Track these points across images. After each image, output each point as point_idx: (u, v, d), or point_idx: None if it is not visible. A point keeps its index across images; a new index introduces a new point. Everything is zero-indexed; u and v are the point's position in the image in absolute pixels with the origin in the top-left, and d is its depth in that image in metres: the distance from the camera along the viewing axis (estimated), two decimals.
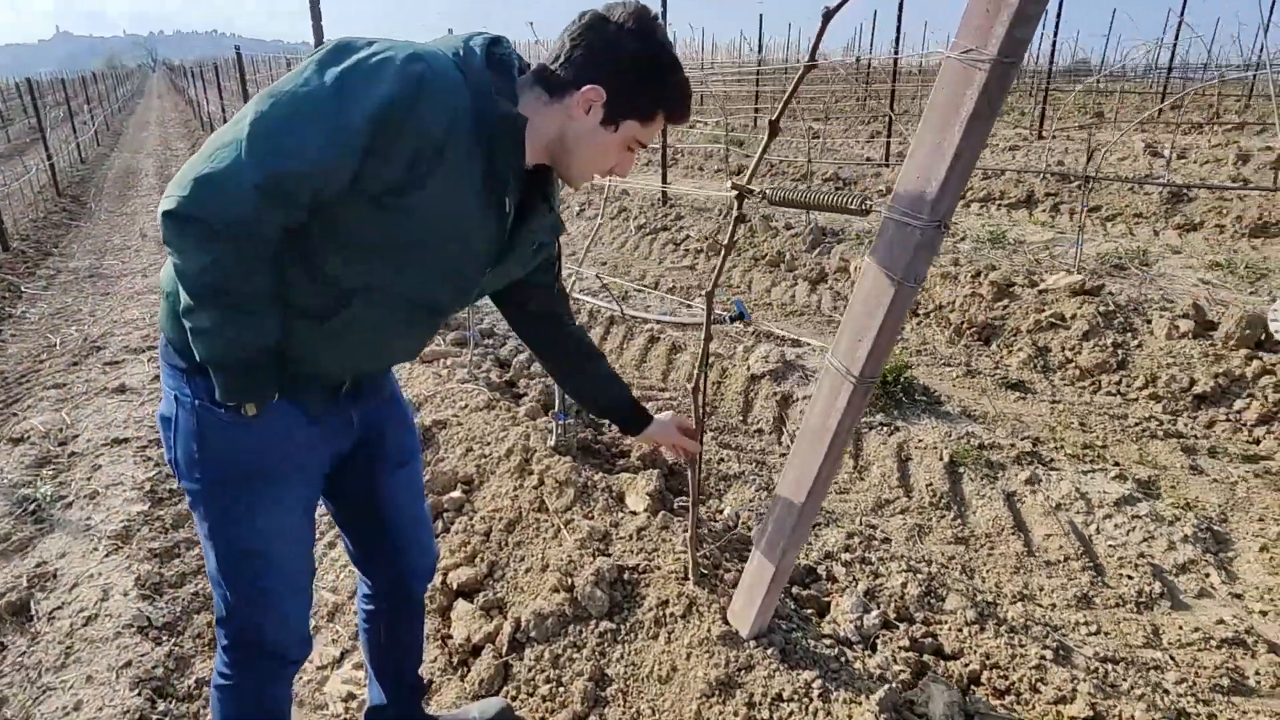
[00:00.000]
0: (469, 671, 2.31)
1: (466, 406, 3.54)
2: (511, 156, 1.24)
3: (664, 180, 8.15)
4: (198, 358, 1.22)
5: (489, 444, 3.23)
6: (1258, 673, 2.12)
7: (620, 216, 8.08)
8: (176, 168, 13.71)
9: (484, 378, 3.93)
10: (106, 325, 5.65)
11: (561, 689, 2.13)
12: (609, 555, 2.47)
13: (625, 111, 1.28)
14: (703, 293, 1.94)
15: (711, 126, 14.77)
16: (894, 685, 1.90)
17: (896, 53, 9.99)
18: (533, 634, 2.26)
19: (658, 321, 4.49)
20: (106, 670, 2.34)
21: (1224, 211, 6.58)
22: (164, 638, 2.50)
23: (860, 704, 1.84)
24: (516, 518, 2.77)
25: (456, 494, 3.00)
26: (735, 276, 6.03)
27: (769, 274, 5.92)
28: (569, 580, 2.35)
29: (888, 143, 10.19)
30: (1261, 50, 15.95)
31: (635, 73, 1.26)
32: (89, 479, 3.56)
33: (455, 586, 2.59)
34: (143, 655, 2.40)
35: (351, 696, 2.27)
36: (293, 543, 1.47)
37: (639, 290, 5.59)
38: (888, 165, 9.61)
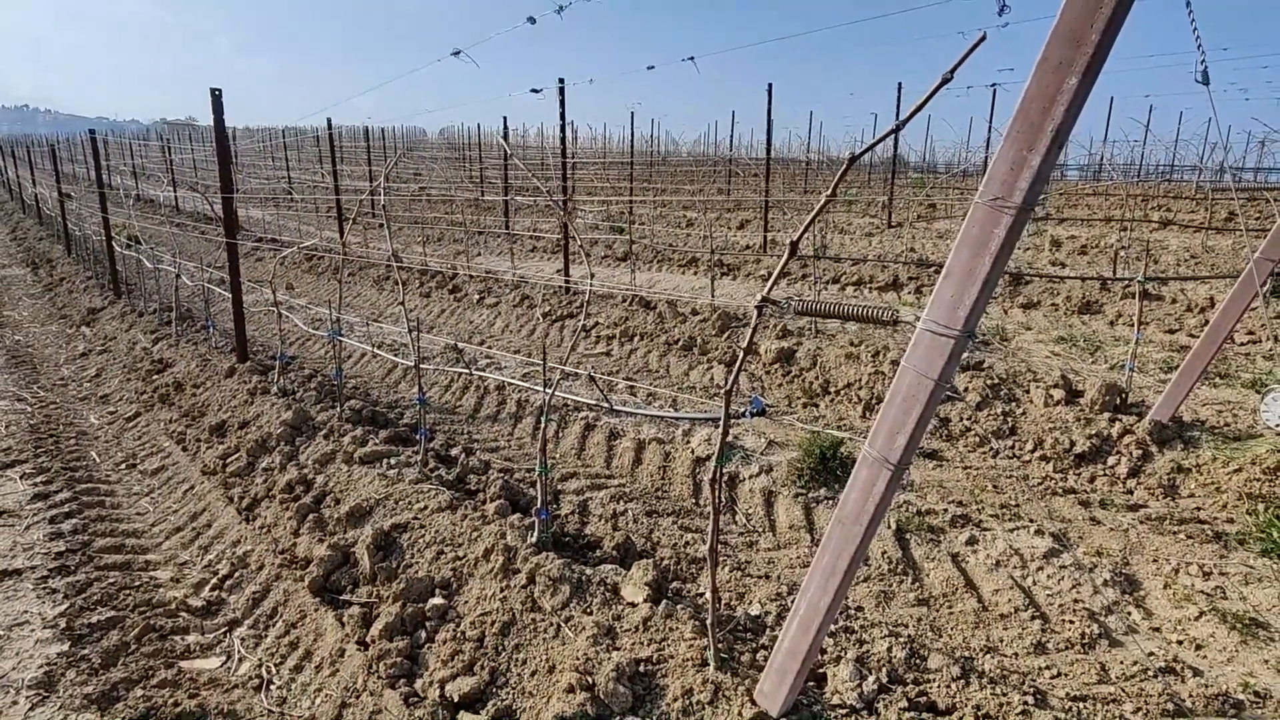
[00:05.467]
0: None
1: (427, 508, 3.46)
2: None
3: (566, 270, 8.39)
4: None
5: (461, 545, 3.18)
6: (1190, 695, 2.48)
7: (523, 305, 8.20)
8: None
9: (436, 476, 3.85)
10: None
11: None
12: (619, 649, 2.51)
13: None
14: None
15: (592, 216, 15.37)
16: None
17: (768, 152, 11.01)
18: None
19: (650, 418, 4.59)
20: None
21: (1055, 292, 7.69)
22: None
23: None
24: (510, 620, 2.74)
25: (438, 600, 2.92)
26: (653, 361, 6.29)
27: (684, 358, 6.21)
28: (587, 679, 2.37)
29: (765, 235, 11.03)
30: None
31: None
32: None
33: (456, 699, 2.51)
34: None
35: None
36: None
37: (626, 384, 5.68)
38: (766, 252, 10.41)
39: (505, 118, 13.65)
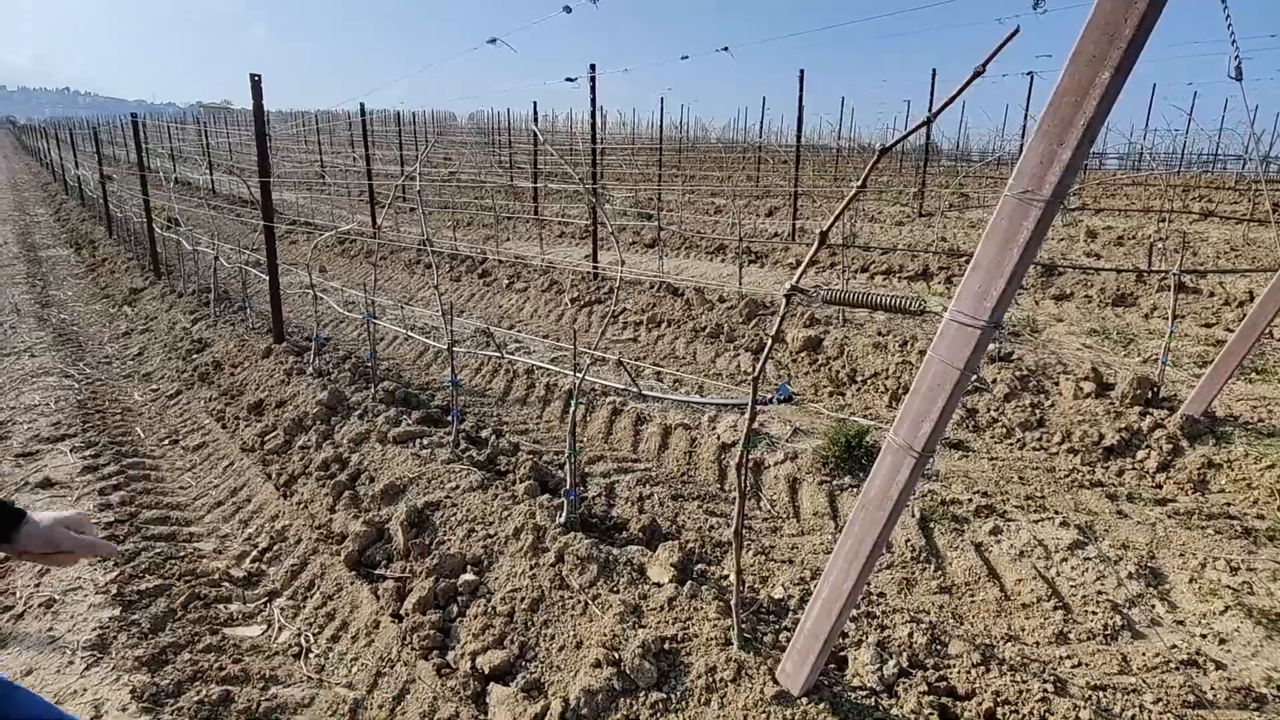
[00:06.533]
0: None
1: (459, 487, 3.56)
2: None
3: (594, 257, 8.45)
4: None
5: (492, 524, 3.27)
6: (1212, 687, 2.48)
7: (551, 290, 8.28)
8: (40, 236, 12.76)
9: (468, 457, 3.95)
10: (4, 413, 5.21)
11: None
12: (644, 627, 2.58)
13: None
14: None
15: (620, 201, 15.38)
16: None
17: (799, 139, 10.93)
18: (584, 711, 2.32)
19: (678, 403, 4.66)
20: None
21: (1089, 284, 7.57)
22: None
23: None
24: (539, 597, 2.82)
25: (469, 576, 3.01)
26: (679, 347, 6.33)
27: (711, 345, 6.25)
28: (614, 655, 2.44)
29: (794, 223, 10.98)
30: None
31: None
32: (37, 585, 3.29)
33: (486, 671, 2.60)
34: None
35: None
36: None
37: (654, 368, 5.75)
38: (794, 240, 10.36)
39: (535, 103, 13.77)
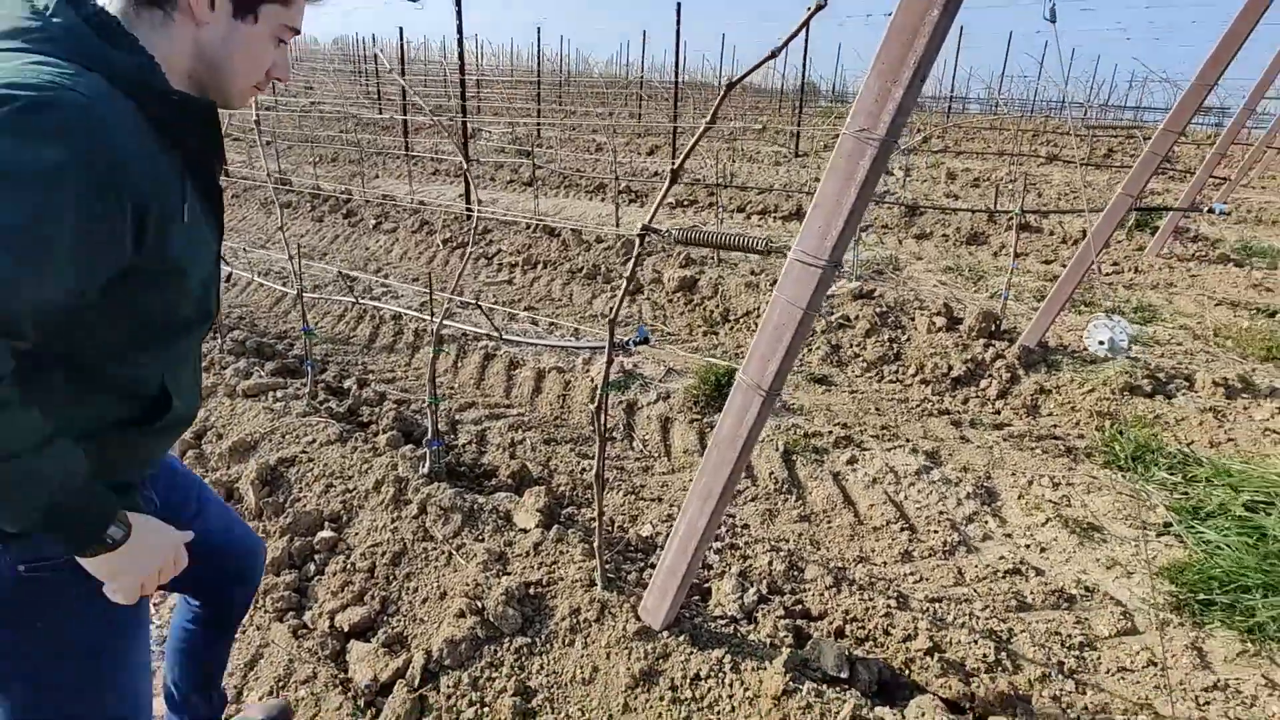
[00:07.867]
0: (379, 712, 2.28)
1: (315, 441, 3.37)
2: (214, 144, 1.08)
3: (467, 196, 8.09)
4: (15, 528, 0.99)
5: (351, 478, 3.12)
6: (1032, 592, 2.75)
7: (422, 230, 7.90)
8: None
9: (326, 409, 3.74)
10: None
11: (487, 709, 2.19)
12: (510, 574, 2.56)
13: None
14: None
15: (497, 138, 14.78)
16: (791, 649, 2.23)
17: (677, 76, 10.79)
18: (447, 661, 2.29)
19: (547, 347, 4.55)
20: None
21: (947, 223, 8.01)
22: None
23: (767, 669, 2.14)
24: (401, 550, 2.74)
25: (327, 533, 2.88)
26: (555, 289, 6.22)
27: (588, 286, 6.18)
28: (478, 603, 2.41)
29: (674, 162, 10.91)
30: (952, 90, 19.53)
31: None
32: None
33: (346, 628, 2.51)
34: None
35: None
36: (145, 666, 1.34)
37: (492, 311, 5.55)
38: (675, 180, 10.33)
39: (401, 28, 12.74)
